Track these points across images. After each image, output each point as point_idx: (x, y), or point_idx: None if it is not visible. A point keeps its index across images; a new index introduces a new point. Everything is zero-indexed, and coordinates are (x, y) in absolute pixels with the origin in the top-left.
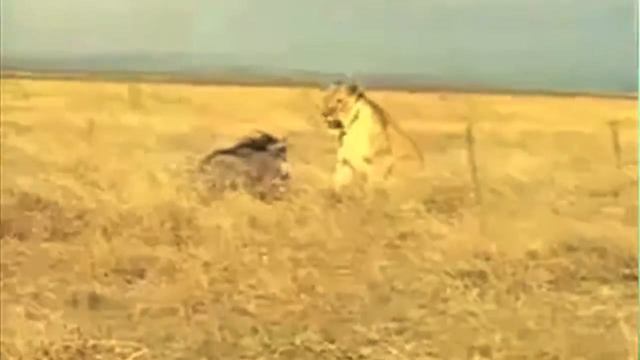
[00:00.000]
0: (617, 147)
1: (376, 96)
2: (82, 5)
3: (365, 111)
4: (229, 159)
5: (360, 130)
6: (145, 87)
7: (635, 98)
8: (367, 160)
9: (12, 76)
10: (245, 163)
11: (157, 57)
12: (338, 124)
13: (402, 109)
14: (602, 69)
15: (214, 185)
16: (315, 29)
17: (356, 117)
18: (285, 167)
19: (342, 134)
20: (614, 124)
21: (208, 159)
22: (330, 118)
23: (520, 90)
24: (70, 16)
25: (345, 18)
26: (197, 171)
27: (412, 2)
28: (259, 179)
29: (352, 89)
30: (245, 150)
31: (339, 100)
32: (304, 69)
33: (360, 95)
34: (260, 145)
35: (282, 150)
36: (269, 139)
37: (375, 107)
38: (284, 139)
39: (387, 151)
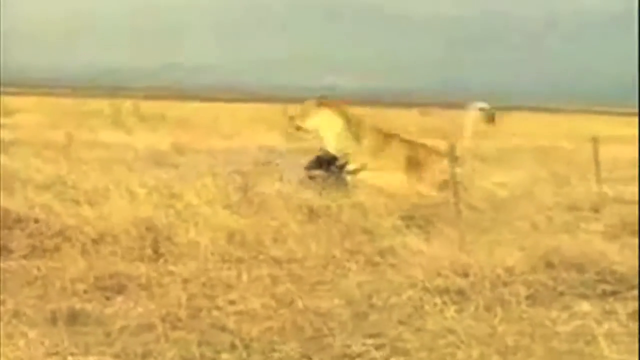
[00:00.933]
0: (597, 163)
1: (356, 111)
2: (67, 16)
3: (324, 115)
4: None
5: (327, 134)
6: (126, 104)
7: (616, 114)
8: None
9: None
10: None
11: (141, 70)
12: (298, 128)
13: (381, 124)
14: (583, 84)
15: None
16: (301, 42)
17: (320, 122)
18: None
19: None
20: (594, 140)
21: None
22: (298, 123)
23: (500, 105)
24: (55, 29)
25: (329, 32)
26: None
27: (391, 13)
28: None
29: (319, 101)
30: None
31: (302, 110)
32: (291, 83)
33: (322, 104)
34: (327, 161)
35: (344, 165)
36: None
37: (339, 111)
38: (345, 156)
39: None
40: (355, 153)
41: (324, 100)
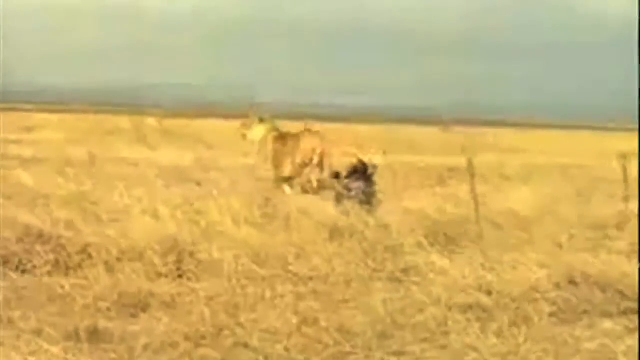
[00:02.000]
0: (625, 180)
1: (376, 129)
2: (83, 36)
3: (260, 130)
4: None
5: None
6: (149, 120)
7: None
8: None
9: (14, 109)
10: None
11: (161, 89)
12: (244, 137)
13: (403, 142)
14: (607, 100)
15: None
16: (317, 61)
17: (256, 134)
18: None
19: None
20: (621, 156)
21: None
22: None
23: (523, 122)
24: (71, 48)
25: (338, 50)
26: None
27: (410, 31)
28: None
29: (260, 119)
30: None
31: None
32: (313, 102)
33: (262, 120)
34: (363, 170)
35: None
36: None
37: (268, 131)
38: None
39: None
40: (280, 165)
41: (265, 117)
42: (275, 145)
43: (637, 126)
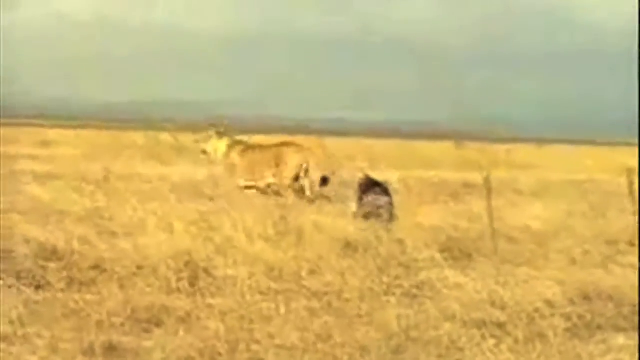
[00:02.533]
0: (633, 195)
1: (390, 144)
2: (99, 50)
3: (222, 148)
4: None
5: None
6: (163, 136)
7: None
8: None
9: (29, 124)
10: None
11: (176, 103)
12: (204, 152)
13: (416, 157)
14: (620, 116)
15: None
16: (330, 75)
17: (216, 150)
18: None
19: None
20: (630, 171)
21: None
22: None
23: (537, 138)
24: (86, 61)
25: (359, 65)
26: (357, 204)
27: (424, 46)
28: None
29: (218, 131)
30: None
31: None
32: (327, 117)
33: (220, 133)
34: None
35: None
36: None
37: (230, 144)
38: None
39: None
40: (259, 176)
41: (222, 129)
42: (248, 156)
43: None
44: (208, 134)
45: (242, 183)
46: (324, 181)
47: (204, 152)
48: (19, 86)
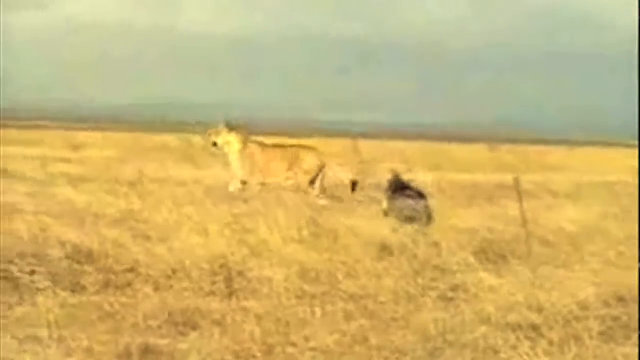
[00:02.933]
0: None
1: (423, 146)
2: (135, 53)
3: (234, 142)
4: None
5: (232, 156)
6: (196, 138)
7: None
8: (243, 182)
9: (65, 127)
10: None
11: (210, 105)
12: (214, 144)
13: (450, 160)
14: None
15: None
16: (364, 80)
17: (228, 143)
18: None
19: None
20: None
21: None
22: (214, 139)
23: (568, 140)
24: (117, 65)
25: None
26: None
27: (456, 49)
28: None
29: (228, 126)
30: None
31: (217, 131)
32: (358, 120)
33: (232, 129)
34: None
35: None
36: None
37: (244, 139)
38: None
39: (254, 172)
40: (247, 172)
41: (233, 125)
42: (265, 155)
43: None
44: (218, 129)
45: (258, 181)
46: (354, 185)
47: (214, 144)
48: (42, 88)
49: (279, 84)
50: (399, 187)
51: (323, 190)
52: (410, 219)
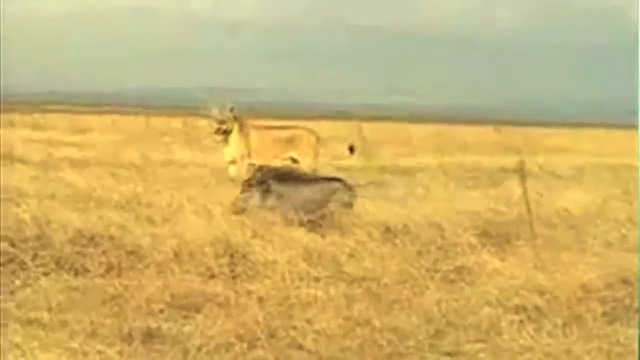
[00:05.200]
0: None
1: (427, 128)
2: (136, 37)
3: (235, 127)
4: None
5: (232, 140)
6: (200, 122)
7: None
8: (233, 162)
9: (67, 111)
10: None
11: (215, 92)
12: (225, 132)
13: (454, 142)
14: None
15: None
16: (374, 64)
17: (231, 130)
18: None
19: (225, 141)
20: None
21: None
22: (222, 127)
23: (574, 122)
24: (127, 51)
25: (401, 54)
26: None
27: (463, 32)
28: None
29: (231, 110)
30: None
31: (222, 120)
32: (365, 102)
33: (235, 116)
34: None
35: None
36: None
37: (241, 124)
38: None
39: (247, 154)
40: (240, 154)
41: (230, 107)
42: (261, 136)
43: None
44: (218, 112)
45: (254, 163)
46: (351, 150)
47: (218, 130)
48: (52, 73)
49: (284, 69)
50: (279, 178)
51: (315, 171)
52: (305, 208)
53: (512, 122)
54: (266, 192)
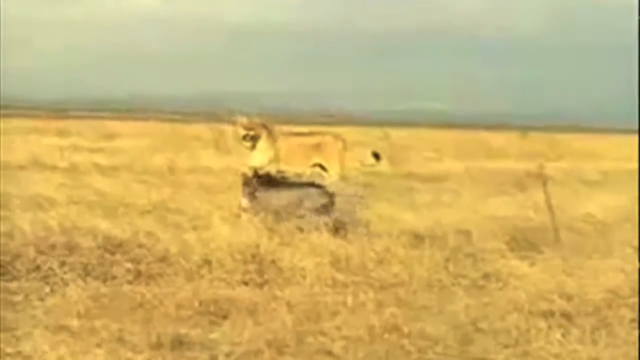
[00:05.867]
0: None
1: (454, 134)
2: (165, 45)
3: (263, 133)
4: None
5: (260, 147)
6: (228, 128)
7: None
8: (260, 168)
9: (95, 117)
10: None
11: (240, 97)
12: (252, 137)
13: (481, 147)
14: None
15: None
16: (397, 71)
17: (259, 136)
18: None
19: (253, 147)
20: None
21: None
22: (250, 132)
23: (600, 127)
24: (153, 56)
25: (424, 61)
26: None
27: (487, 36)
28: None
29: (258, 116)
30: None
31: (250, 127)
32: (389, 109)
33: (263, 123)
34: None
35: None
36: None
37: (269, 130)
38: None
39: (275, 160)
40: (268, 160)
41: (257, 114)
42: (288, 142)
43: None
44: (245, 119)
45: (283, 169)
46: (377, 157)
47: (244, 137)
48: (80, 79)
49: (309, 74)
50: (265, 182)
51: (343, 177)
52: (278, 213)
53: (538, 128)
54: (252, 196)
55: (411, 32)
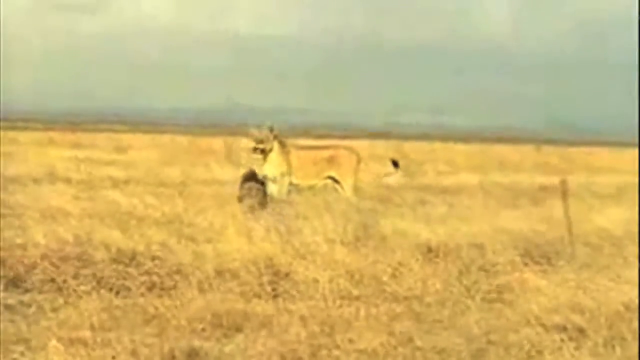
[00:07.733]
0: None
1: (469, 148)
2: (178, 59)
3: (275, 145)
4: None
5: (272, 159)
6: (241, 141)
7: None
8: (273, 180)
9: (109, 129)
10: None
11: (254, 110)
12: (262, 150)
13: (496, 161)
14: None
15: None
16: (413, 85)
17: (271, 149)
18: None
19: (264, 159)
20: None
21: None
22: (260, 146)
23: (615, 141)
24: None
25: (440, 75)
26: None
27: (504, 51)
28: None
29: (271, 129)
30: None
31: (261, 139)
32: (408, 122)
33: (275, 136)
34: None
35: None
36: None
37: (281, 143)
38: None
39: (287, 173)
40: (281, 173)
41: (271, 128)
42: (302, 156)
43: None
44: (257, 132)
45: (295, 182)
46: (395, 164)
47: (255, 149)
48: (94, 91)
49: (324, 87)
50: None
51: (356, 190)
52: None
53: (553, 142)
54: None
55: (426, 47)
